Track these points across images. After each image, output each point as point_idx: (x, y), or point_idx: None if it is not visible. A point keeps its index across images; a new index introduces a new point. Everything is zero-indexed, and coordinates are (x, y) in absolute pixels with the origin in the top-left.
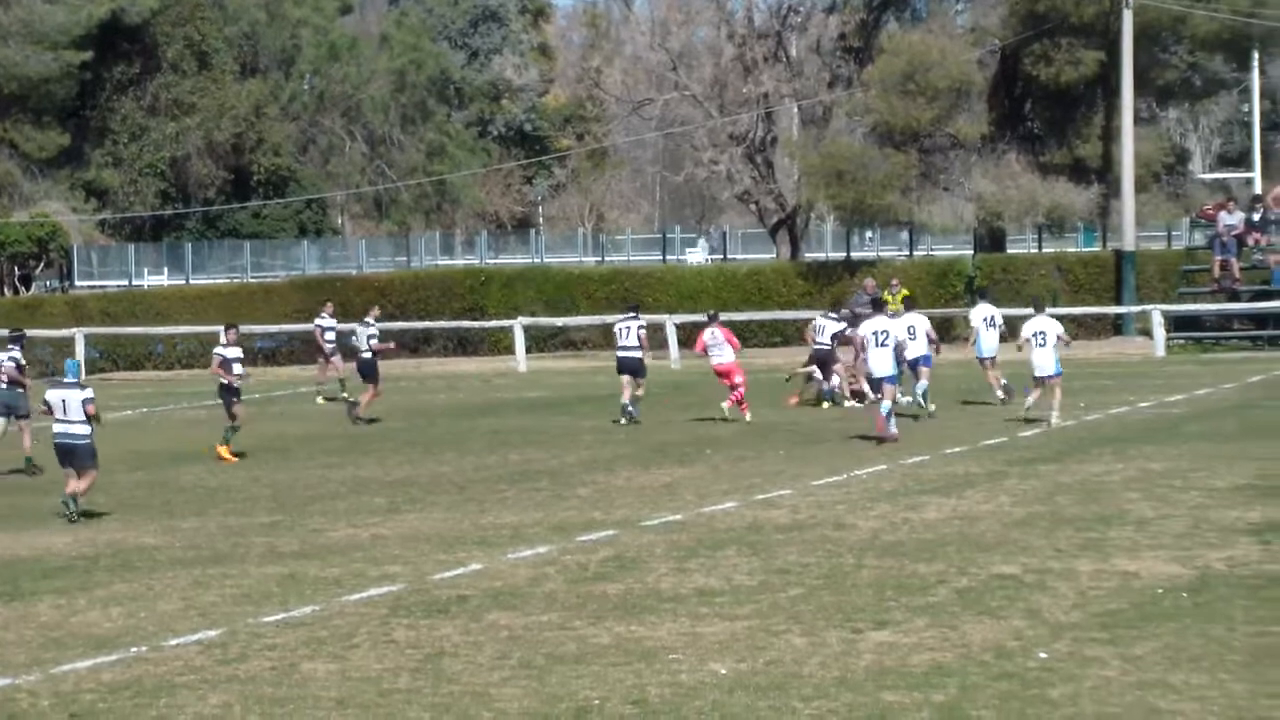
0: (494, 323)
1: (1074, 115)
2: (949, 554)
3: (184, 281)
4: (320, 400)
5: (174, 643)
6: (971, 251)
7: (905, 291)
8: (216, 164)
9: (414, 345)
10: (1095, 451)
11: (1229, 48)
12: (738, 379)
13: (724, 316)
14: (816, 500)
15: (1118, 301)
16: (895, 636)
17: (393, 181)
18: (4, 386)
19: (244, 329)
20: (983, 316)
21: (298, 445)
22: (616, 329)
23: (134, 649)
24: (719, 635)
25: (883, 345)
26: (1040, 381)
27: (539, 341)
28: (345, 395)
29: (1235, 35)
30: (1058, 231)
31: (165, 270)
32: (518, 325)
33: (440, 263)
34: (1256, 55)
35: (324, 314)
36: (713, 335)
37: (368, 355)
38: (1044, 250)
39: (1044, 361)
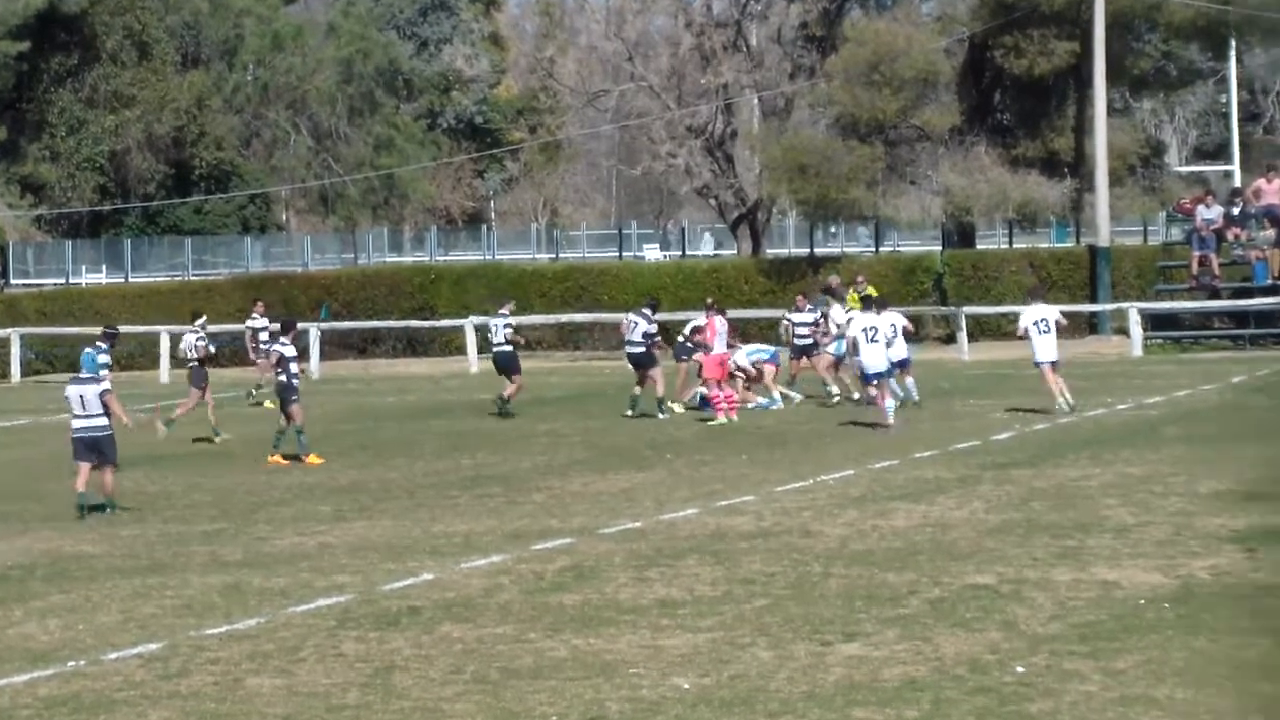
0: (445, 322)
1: (1046, 106)
2: (920, 563)
3: (123, 280)
4: (267, 404)
5: (113, 656)
6: (940, 247)
7: (871, 290)
8: (157, 158)
9: (362, 346)
10: (1071, 456)
11: (1205, 36)
12: (723, 373)
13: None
14: (782, 506)
15: (1092, 299)
16: (865, 649)
17: (339, 176)
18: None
19: (181, 329)
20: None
21: (241, 450)
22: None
23: (71, 663)
24: (681, 648)
25: (873, 341)
26: (1055, 366)
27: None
28: (252, 396)
29: (1211, 23)
30: (1029, 227)
31: (104, 268)
32: (469, 325)
33: (388, 260)
34: (1233, 44)
35: (255, 314)
36: (721, 323)
37: (506, 348)
38: (1015, 246)
39: (1050, 348)
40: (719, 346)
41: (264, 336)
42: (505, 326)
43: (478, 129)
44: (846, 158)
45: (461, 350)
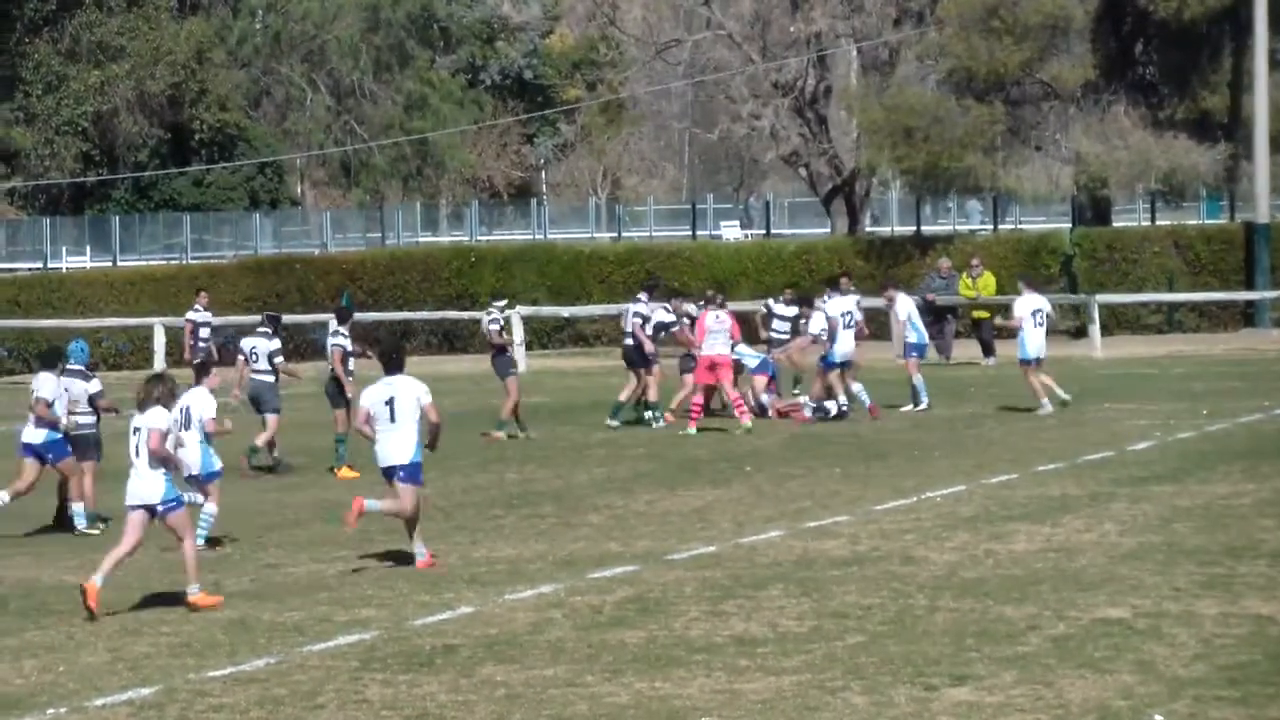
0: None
1: (1197, 59)
2: (1042, 594)
3: (110, 264)
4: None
5: (99, 703)
6: (1069, 225)
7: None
8: (150, 120)
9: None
10: (1222, 469)
11: None
12: (727, 376)
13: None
14: (880, 528)
15: (1248, 285)
16: (977, 694)
17: (363, 141)
18: (254, 379)
19: (179, 322)
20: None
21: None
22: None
23: (51, 710)
24: (762, 693)
25: (849, 327)
26: (1040, 364)
27: (541, 335)
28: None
29: None
30: (1175, 200)
31: (88, 250)
32: (515, 316)
33: (421, 240)
34: None
35: (197, 305)
36: (719, 320)
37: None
38: (1158, 223)
39: (1042, 343)
40: (713, 347)
41: (204, 333)
42: (492, 323)
43: (527, 86)
44: (960, 120)
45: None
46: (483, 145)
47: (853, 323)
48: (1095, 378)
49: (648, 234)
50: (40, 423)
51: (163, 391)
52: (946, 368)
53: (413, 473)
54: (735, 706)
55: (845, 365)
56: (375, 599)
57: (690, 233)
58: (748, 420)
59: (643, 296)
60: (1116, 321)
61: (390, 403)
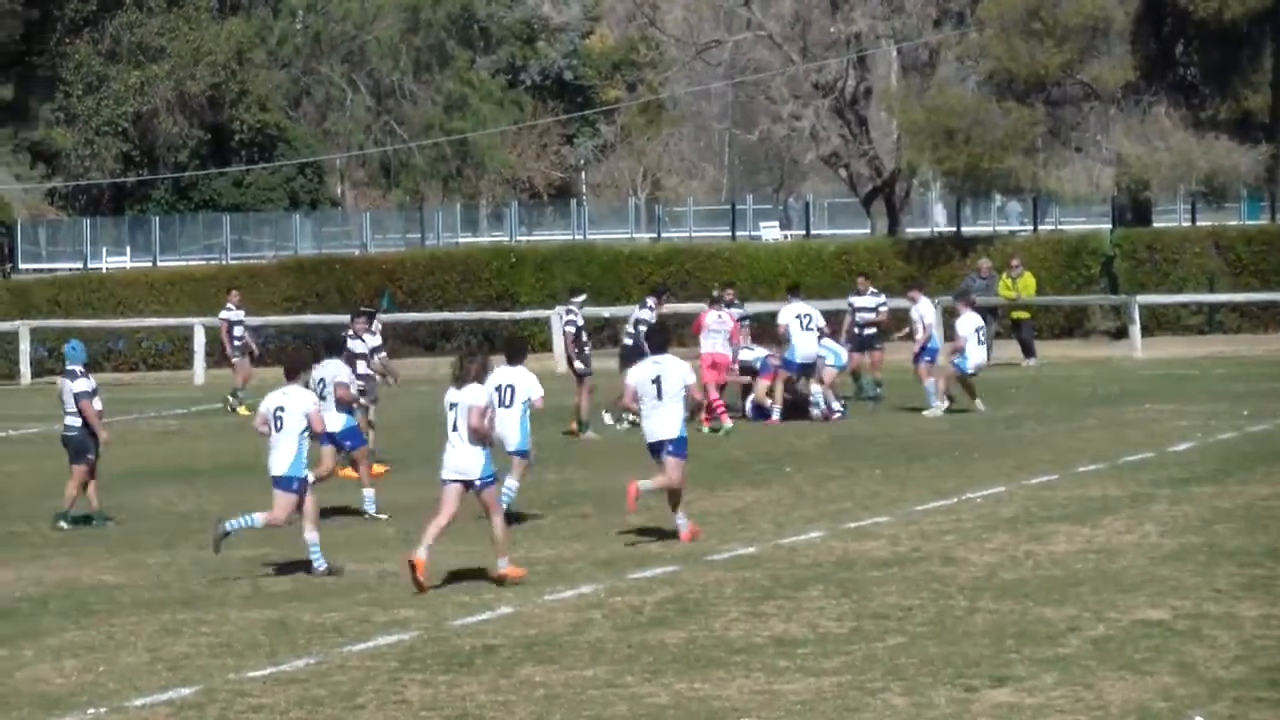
0: (527, 313)
1: (1239, 58)
2: (1083, 595)
3: (150, 264)
4: (243, 409)
5: (139, 703)
6: (1110, 226)
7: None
8: (190, 121)
9: (430, 341)
10: (1263, 470)
11: None
12: (725, 377)
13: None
14: (920, 529)
15: None
16: (1017, 696)
17: (403, 142)
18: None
19: (218, 322)
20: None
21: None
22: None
23: (91, 710)
24: (802, 694)
25: (807, 330)
26: (974, 376)
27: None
28: (231, 403)
29: None
30: (1217, 201)
31: (128, 250)
32: (555, 316)
33: (461, 240)
34: None
35: (230, 304)
36: (720, 319)
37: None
38: (1198, 224)
39: (983, 359)
40: (714, 346)
41: (238, 331)
42: (568, 325)
43: (566, 86)
44: (1001, 121)
45: (547, 346)
46: (522, 146)
47: (812, 325)
48: (1136, 378)
49: (687, 234)
50: (340, 406)
51: (478, 368)
52: (987, 368)
53: (680, 446)
54: (775, 707)
55: (807, 368)
56: (415, 599)
57: (730, 233)
58: (728, 422)
59: (650, 302)
60: (1157, 322)
61: (657, 381)
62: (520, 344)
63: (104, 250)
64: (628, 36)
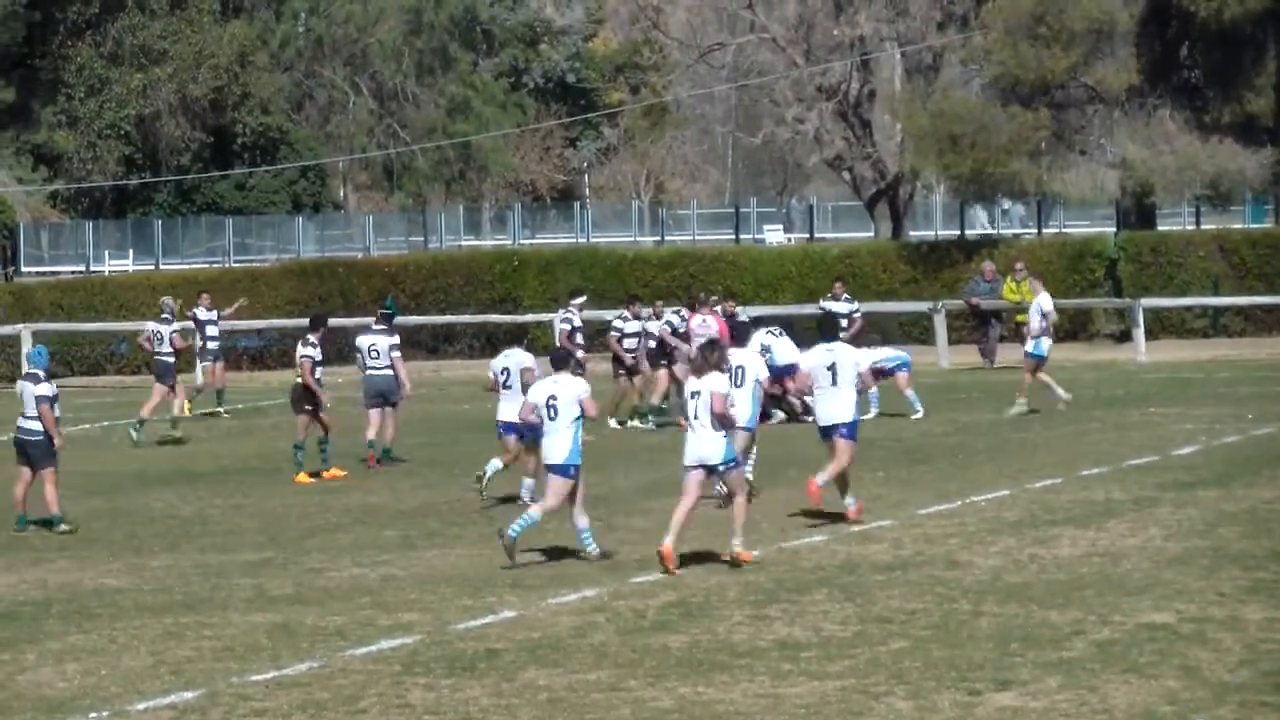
0: (530, 316)
1: (1243, 61)
2: (1087, 599)
3: (153, 267)
4: (224, 414)
5: (141, 706)
6: (1114, 229)
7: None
8: (192, 124)
9: (433, 344)
10: (1267, 473)
11: None
12: None
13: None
14: (924, 532)
15: None
16: (1021, 699)
17: (406, 144)
18: (377, 373)
19: (226, 326)
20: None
21: (291, 465)
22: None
23: (94, 714)
24: (805, 697)
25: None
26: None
27: (585, 338)
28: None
29: None
30: (1221, 204)
31: (130, 253)
32: (558, 319)
33: (464, 243)
34: None
35: (200, 306)
36: (704, 324)
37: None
38: (1203, 227)
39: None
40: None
41: (211, 331)
42: (563, 322)
43: (570, 89)
44: (1006, 125)
45: (549, 349)
46: (525, 148)
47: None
48: (1139, 382)
49: (691, 237)
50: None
51: (718, 357)
52: (991, 372)
53: (852, 430)
54: (779, 711)
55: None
56: (418, 603)
57: (733, 236)
58: None
59: (658, 302)
60: (1161, 325)
61: (832, 367)
62: (745, 328)
63: (106, 253)
64: (631, 39)
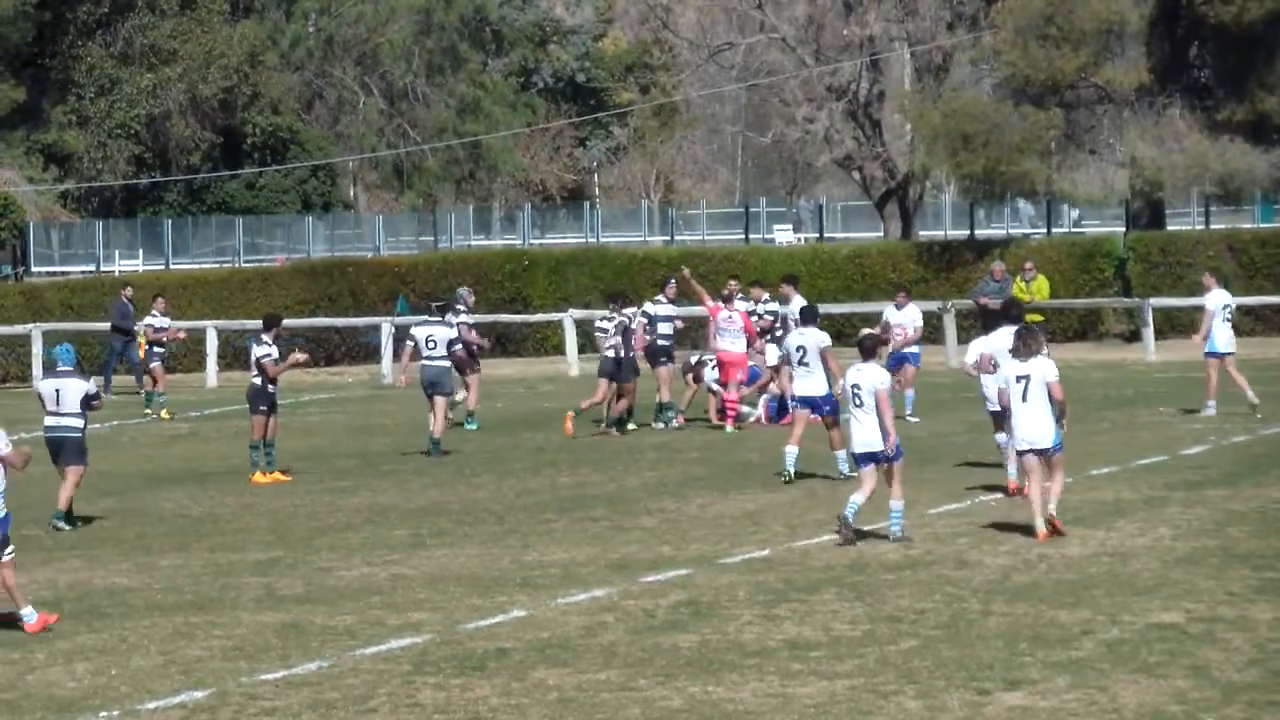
0: (539, 316)
1: (1253, 60)
2: (1096, 599)
3: (163, 266)
4: (164, 415)
5: (152, 706)
6: (1123, 228)
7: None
8: (202, 124)
9: None
10: (1276, 473)
11: None
12: (741, 376)
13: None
14: (933, 532)
15: None
16: (1030, 699)
17: (416, 144)
18: (431, 363)
19: (235, 325)
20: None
21: (302, 465)
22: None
23: (104, 713)
24: (815, 697)
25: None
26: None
27: (594, 338)
28: (148, 412)
29: None
30: (1231, 204)
31: (140, 253)
32: (568, 319)
33: (474, 243)
34: None
35: (155, 311)
36: (729, 319)
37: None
38: (1212, 227)
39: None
40: (725, 345)
41: (162, 336)
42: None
43: (579, 89)
44: (1017, 125)
45: (560, 349)
46: (535, 148)
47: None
48: (1148, 381)
49: (700, 237)
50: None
51: (1040, 342)
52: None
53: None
54: (788, 711)
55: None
56: (427, 602)
57: (743, 236)
58: (730, 425)
59: (661, 298)
60: (1170, 325)
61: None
62: (812, 310)
63: (116, 253)
64: (640, 39)
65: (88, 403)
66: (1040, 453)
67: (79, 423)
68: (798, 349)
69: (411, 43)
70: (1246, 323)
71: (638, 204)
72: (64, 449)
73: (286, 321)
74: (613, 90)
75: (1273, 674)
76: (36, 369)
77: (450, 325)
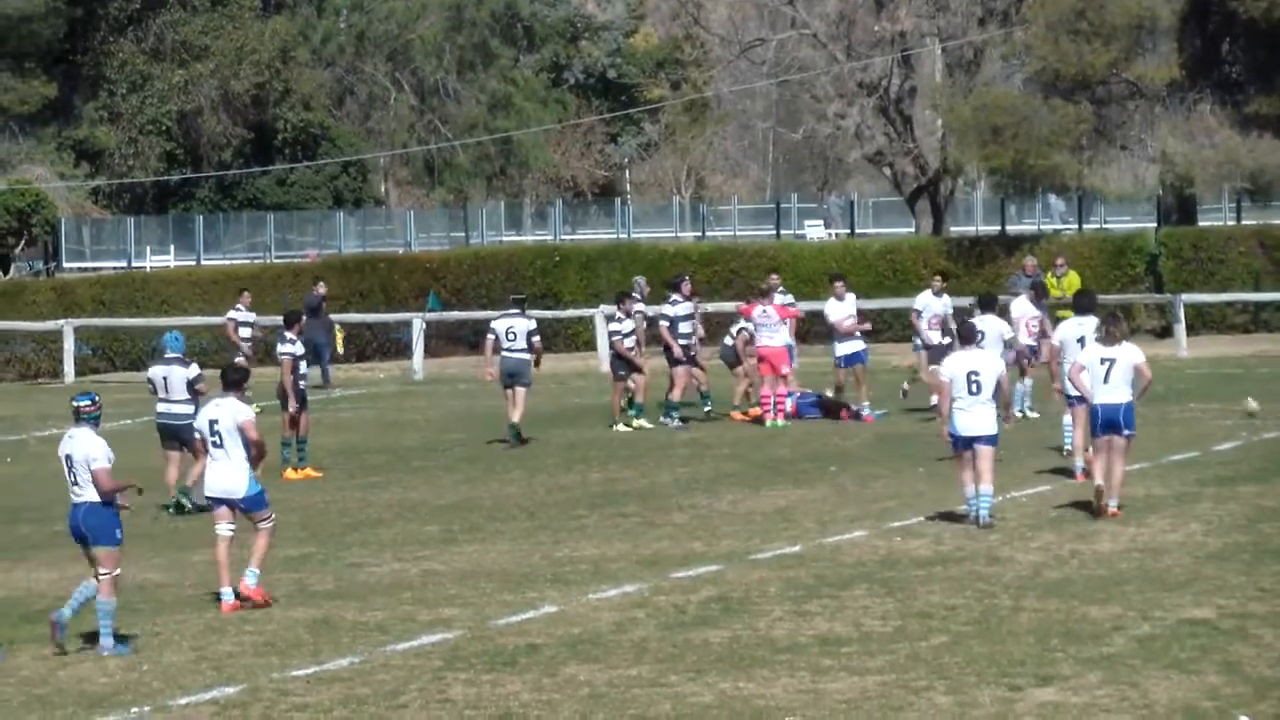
0: (571, 312)
1: None
2: (1128, 594)
3: (194, 263)
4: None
5: (183, 701)
6: (1154, 224)
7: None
8: (234, 120)
9: (474, 340)
10: None
11: None
12: (785, 370)
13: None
14: (964, 529)
15: None
16: (1062, 695)
17: (447, 140)
18: (511, 355)
19: (265, 321)
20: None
21: (333, 461)
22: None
23: (135, 709)
24: (846, 693)
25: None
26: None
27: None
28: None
29: None
30: (1263, 199)
31: (171, 249)
32: (599, 315)
33: (505, 239)
34: None
35: (239, 305)
36: (765, 313)
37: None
38: (1243, 222)
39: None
40: (763, 340)
41: (244, 333)
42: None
43: (610, 85)
44: (1047, 119)
45: (591, 345)
46: (566, 144)
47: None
48: (1180, 377)
49: (732, 233)
50: None
51: (1124, 330)
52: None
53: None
54: (819, 706)
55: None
56: (458, 598)
57: (774, 232)
58: (774, 420)
59: (678, 298)
60: (1202, 321)
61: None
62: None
63: (148, 249)
64: (672, 35)
65: (192, 388)
66: (1118, 433)
67: (189, 409)
68: (978, 334)
69: (443, 38)
70: (1278, 319)
71: (669, 200)
72: (180, 435)
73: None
74: (644, 86)
75: None
76: (68, 365)
77: (528, 317)
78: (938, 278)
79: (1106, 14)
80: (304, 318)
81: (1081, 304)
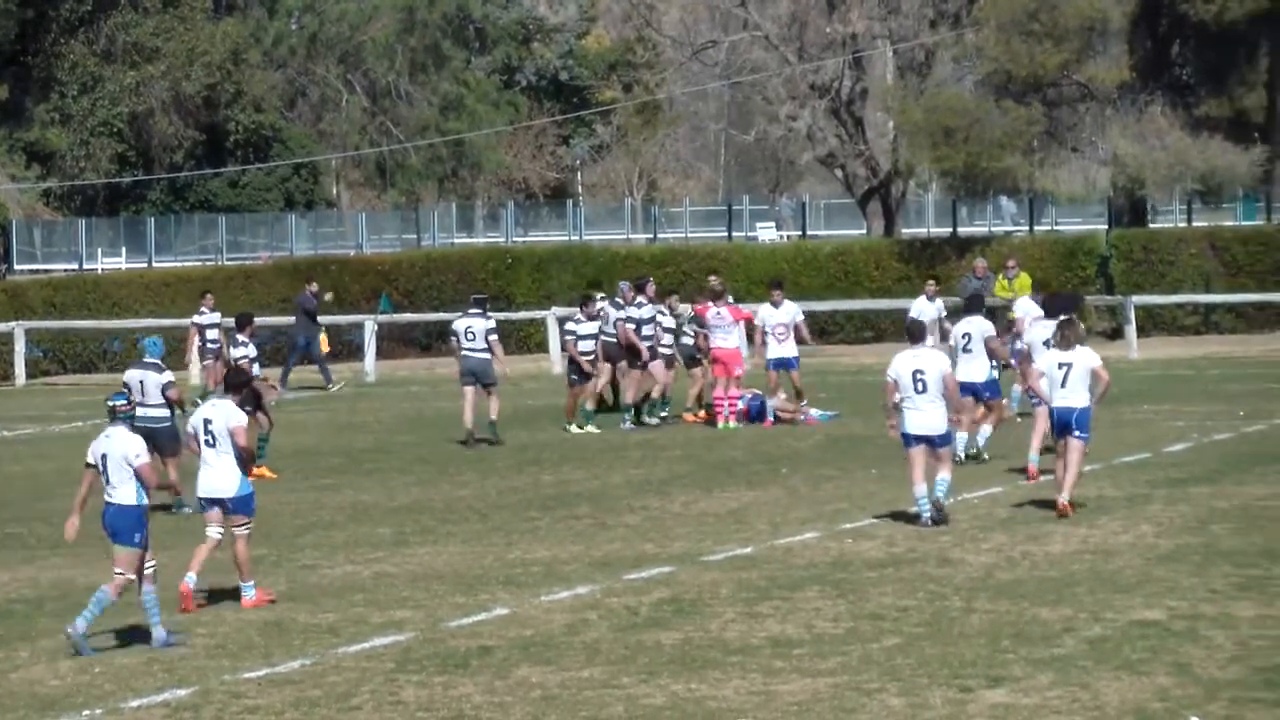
0: (523, 314)
1: (1234, 58)
2: (1079, 596)
3: (146, 264)
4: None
5: (135, 704)
6: (1105, 226)
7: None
8: (185, 121)
9: (425, 342)
10: (1258, 470)
11: None
12: (738, 372)
13: (804, 306)
14: (916, 530)
15: None
16: (1013, 696)
17: (399, 142)
18: (472, 354)
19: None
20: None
21: (286, 463)
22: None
23: (86, 712)
24: (798, 694)
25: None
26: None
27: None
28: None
29: None
30: (1213, 201)
31: (123, 251)
32: (551, 317)
33: (457, 241)
34: None
35: (203, 308)
36: (718, 315)
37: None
38: (1194, 224)
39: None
40: (717, 341)
41: (212, 335)
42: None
43: (563, 87)
44: (999, 121)
45: (543, 347)
46: (518, 146)
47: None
48: (1131, 379)
49: (683, 235)
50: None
51: (1078, 334)
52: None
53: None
54: (771, 708)
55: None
56: (410, 600)
57: (726, 234)
58: (727, 422)
59: (641, 299)
60: (1153, 323)
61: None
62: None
63: (99, 251)
64: (624, 37)
65: (164, 394)
66: (1075, 435)
67: (164, 412)
68: (963, 335)
69: (394, 40)
70: (1229, 320)
71: (621, 202)
72: (155, 439)
73: (271, 319)
74: (596, 88)
75: (1255, 671)
76: (19, 368)
77: (488, 317)
78: (931, 282)
79: (1058, 15)
80: (254, 320)
81: (1051, 307)
